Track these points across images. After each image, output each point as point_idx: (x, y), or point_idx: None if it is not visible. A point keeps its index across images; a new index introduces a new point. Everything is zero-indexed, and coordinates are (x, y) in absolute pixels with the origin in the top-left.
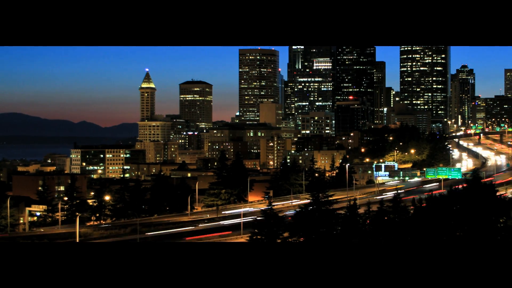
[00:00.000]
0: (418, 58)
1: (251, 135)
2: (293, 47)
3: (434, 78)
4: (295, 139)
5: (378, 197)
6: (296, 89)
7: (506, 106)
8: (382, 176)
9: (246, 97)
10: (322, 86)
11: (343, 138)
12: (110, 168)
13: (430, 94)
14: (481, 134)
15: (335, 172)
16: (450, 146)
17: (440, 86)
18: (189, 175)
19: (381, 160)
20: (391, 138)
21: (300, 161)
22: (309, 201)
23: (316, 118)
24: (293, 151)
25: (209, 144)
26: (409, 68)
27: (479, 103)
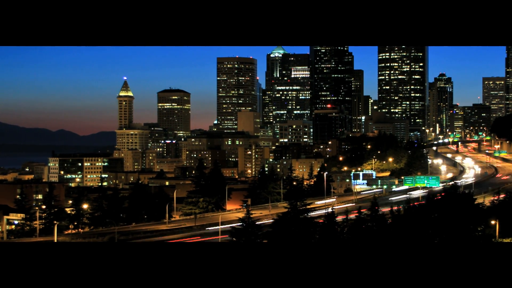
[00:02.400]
0: (396, 67)
1: (229, 143)
2: (271, 55)
3: (412, 87)
4: (273, 147)
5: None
6: (274, 98)
7: (484, 114)
8: (360, 185)
9: (224, 106)
10: (300, 95)
11: (321, 147)
12: (88, 176)
13: (408, 102)
14: (459, 143)
15: (313, 180)
16: (428, 154)
17: (418, 95)
18: (167, 183)
19: (359, 169)
20: (369, 146)
21: (278, 170)
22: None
23: (294, 126)
24: (271, 160)
25: (187, 152)
26: (387, 77)
27: (457, 111)
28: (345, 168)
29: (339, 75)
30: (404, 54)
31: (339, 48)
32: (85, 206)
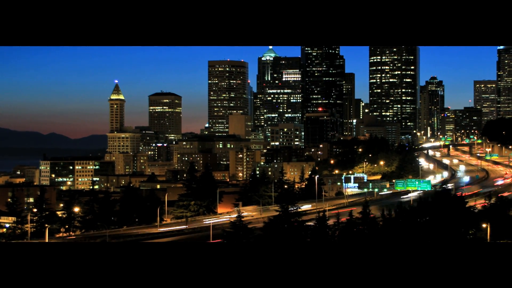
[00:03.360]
0: (388, 70)
1: (221, 146)
2: (263, 58)
3: (403, 90)
4: (265, 150)
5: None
6: (265, 101)
7: (475, 117)
8: (351, 188)
9: (216, 109)
10: (291, 98)
11: (313, 150)
12: (80, 179)
13: (399, 105)
14: (450, 146)
15: (304, 183)
16: (419, 157)
17: (409, 98)
18: (158, 186)
19: (350, 172)
20: (360, 149)
21: (270, 173)
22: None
23: (285, 129)
24: (262, 163)
25: (178, 155)
26: (378, 80)
27: (448, 114)
28: (336, 172)
29: (331, 78)
30: (396, 57)
31: (330, 51)
32: (76, 209)
